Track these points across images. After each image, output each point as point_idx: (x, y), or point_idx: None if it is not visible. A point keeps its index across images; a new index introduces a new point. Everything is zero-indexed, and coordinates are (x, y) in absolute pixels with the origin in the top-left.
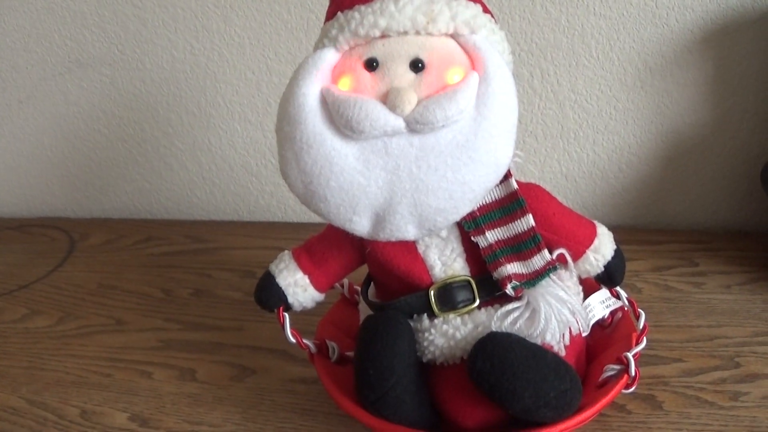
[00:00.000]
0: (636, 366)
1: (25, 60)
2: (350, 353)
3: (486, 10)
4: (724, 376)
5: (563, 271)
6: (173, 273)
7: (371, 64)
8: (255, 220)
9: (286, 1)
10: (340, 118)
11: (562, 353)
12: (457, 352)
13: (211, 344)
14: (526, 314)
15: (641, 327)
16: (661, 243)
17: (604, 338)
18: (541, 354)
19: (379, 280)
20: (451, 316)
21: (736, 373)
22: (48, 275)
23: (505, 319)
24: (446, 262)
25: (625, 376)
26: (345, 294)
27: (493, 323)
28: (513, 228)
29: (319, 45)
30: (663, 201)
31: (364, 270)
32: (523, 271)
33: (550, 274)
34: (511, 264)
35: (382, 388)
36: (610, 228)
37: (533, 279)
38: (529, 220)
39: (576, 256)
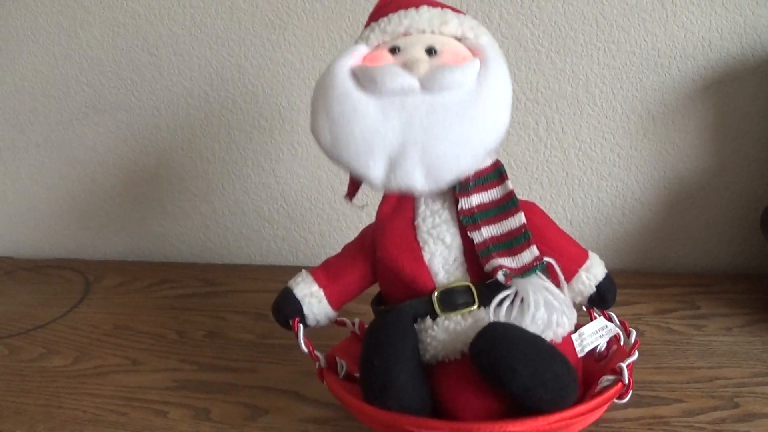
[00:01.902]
0: (630, 375)
1: (43, 105)
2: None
3: None
4: (724, 416)
5: (563, 283)
6: (187, 315)
7: (394, 50)
8: (267, 264)
9: (299, 51)
10: (364, 77)
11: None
12: (458, 346)
13: (225, 385)
14: (517, 301)
15: (632, 342)
16: (663, 286)
17: (598, 370)
18: (539, 339)
19: (387, 291)
20: (452, 315)
21: (735, 413)
22: (64, 315)
23: (500, 307)
24: (449, 270)
25: (620, 383)
26: (356, 331)
27: (491, 312)
28: (506, 224)
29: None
30: (665, 245)
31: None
32: (513, 265)
33: (537, 271)
34: (502, 258)
35: (387, 377)
36: (614, 272)
37: (522, 273)
38: (521, 217)
39: (569, 275)
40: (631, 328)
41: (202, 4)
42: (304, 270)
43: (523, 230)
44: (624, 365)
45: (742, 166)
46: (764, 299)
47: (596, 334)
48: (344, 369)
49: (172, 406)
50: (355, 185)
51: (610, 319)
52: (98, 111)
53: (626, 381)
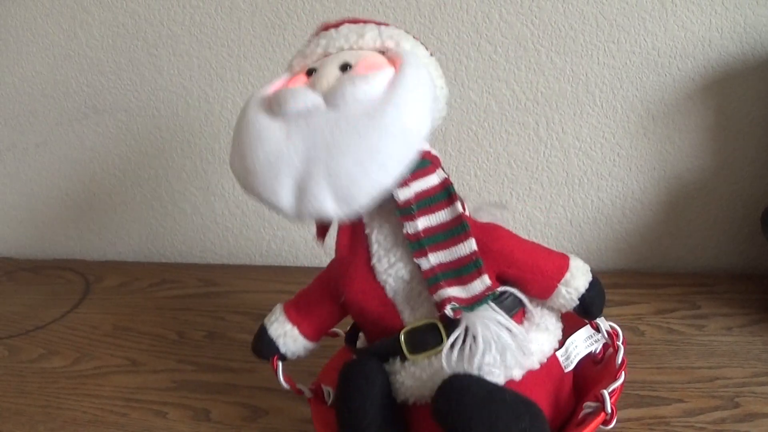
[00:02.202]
0: (613, 403)
1: (42, 105)
2: None
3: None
4: (724, 416)
5: (534, 307)
6: (187, 315)
7: (310, 73)
8: (267, 264)
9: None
10: (273, 102)
11: (502, 380)
12: (426, 392)
13: (225, 385)
14: (469, 341)
15: (619, 362)
16: (663, 286)
17: (596, 374)
18: (498, 394)
19: (360, 325)
20: (421, 357)
21: (736, 413)
22: (64, 316)
23: (451, 352)
24: (414, 305)
25: (602, 413)
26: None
27: (443, 357)
28: (455, 251)
29: None
30: (665, 245)
31: None
32: (463, 295)
33: (489, 301)
34: (452, 288)
35: (357, 429)
36: (614, 272)
37: (472, 303)
38: (471, 244)
39: (548, 291)
40: (618, 344)
41: (201, 4)
42: (278, 306)
43: (473, 258)
44: (606, 392)
45: (743, 165)
46: (765, 299)
47: (587, 341)
48: (331, 396)
49: (172, 406)
50: (323, 226)
51: (597, 330)
52: (98, 111)
53: (608, 410)
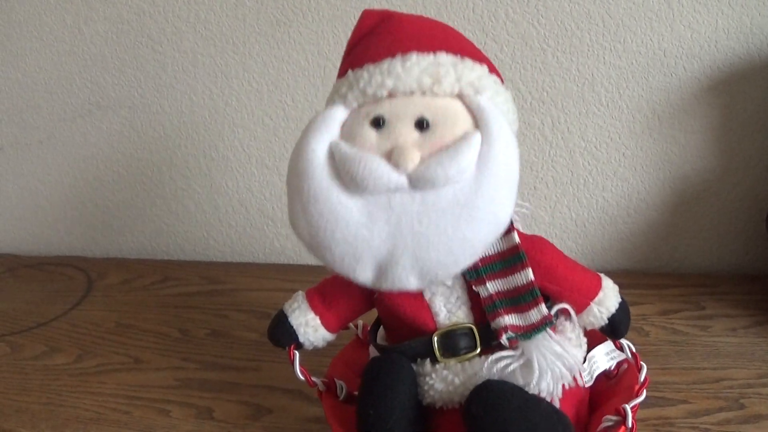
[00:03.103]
0: (633, 418)
1: (46, 101)
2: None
3: (492, 70)
4: (729, 417)
5: (567, 322)
6: (190, 313)
7: (378, 123)
8: (270, 262)
9: (304, 49)
10: (346, 174)
11: (557, 404)
12: (455, 398)
13: (228, 384)
14: (519, 363)
15: (642, 380)
16: (668, 287)
17: (609, 389)
18: (534, 403)
19: (387, 323)
20: (453, 362)
21: (741, 414)
22: (66, 313)
23: (495, 365)
24: (451, 309)
25: (622, 428)
26: (359, 335)
27: (484, 368)
28: (512, 280)
29: (330, 101)
30: (670, 246)
31: (375, 312)
32: (520, 323)
33: (547, 329)
34: (509, 315)
35: (381, 429)
36: (619, 272)
37: (529, 332)
38: (528, 274)
39: (580, 308)
40: (642, 363)
41: (206, 0)
42: (300, 293)
43: (530, 287)
44: (629, 407)
45: (748, 166)
46: None
47: (607, 357)
48: (344, 391)
49: (175, 404)
50: None
51: (621, 349)
52: (101, 108)
53: (629, 425)
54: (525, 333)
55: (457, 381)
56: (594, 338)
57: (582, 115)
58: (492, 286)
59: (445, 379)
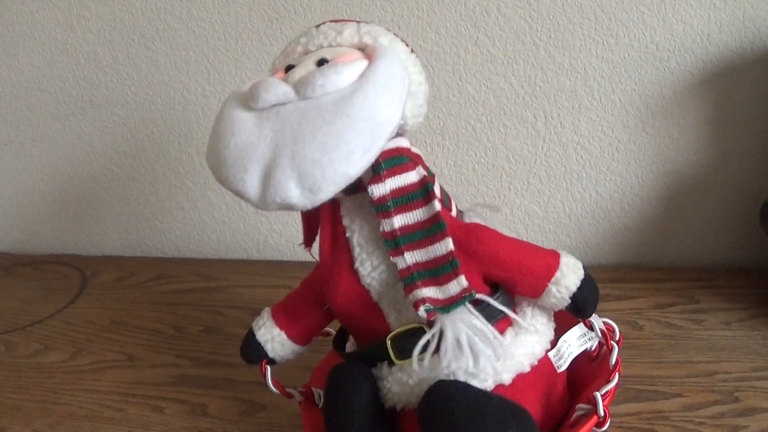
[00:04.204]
0: (606, 406)
1: (39, 99)
2: None
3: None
4: (724, 411)
5: (528, 308)
6: (184, 310)
7: (288, 69)
8: (264, 259)
9: None
10: (248, 96)
11: (491, 384)
12: (413, 399)
13: (222, 380)
14: (436, 339)
15: (613, 363)
16: (662, 281)
17: (591, 370)
18: (484, 401)
19: (348, 329)
20: (408, 362)
21: (735, 408)
22: (61, 311)
23: (423, 353)
24: (400, 309)
25: (595, 416)
26: None
27: (414, 363)
28: (432, 251)
29: None
30: (664, 240)
31: None
32: (439, 296)
33: (467, 303)
34: (427, 288)
35: None
36: (612, 267)
37: (448, 305)
38: (448, 244)
39: (537, 291)
40: (612, 343)
41: None
42: (266, 309)
43: (449, 258)
44: (599, 394)
45: (742, 160)
46: (763, 294)
47: (581, 340)
48: (322, 399)
49: (169, 401)
50: (310, 233)
51: (591, 328)
52: (95, 106)
53: (601, 413)
54: (444, 306)
55: (411, 382)
56: (569, 322)
57: (575, 110)
58: (410, 257)
59: (399, 381)
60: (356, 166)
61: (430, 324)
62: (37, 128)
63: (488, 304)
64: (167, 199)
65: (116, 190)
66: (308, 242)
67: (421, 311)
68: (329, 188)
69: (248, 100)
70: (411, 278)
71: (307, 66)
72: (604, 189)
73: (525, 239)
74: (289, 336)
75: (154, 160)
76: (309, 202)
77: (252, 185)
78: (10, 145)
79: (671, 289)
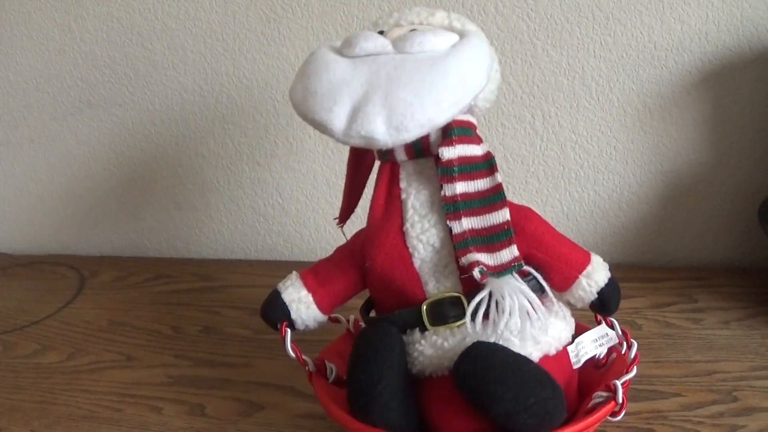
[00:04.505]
0: (624, 394)
1: (36, 100)
2: None
3: None
4: (722, 410)
5: (550, 295)
6: (182, 310)
7: (381, 33)
8: (262, 259)
9: (294, 45)
10: (343, 45)
11: (525, 351)
12: (445, 362)
13: (220, 380)
14: (493, 309)
15: (632, 357)
16: (660, 280)
17: (597, 378)
18: (524, 362)
19: (377, 298)
20: (441, 329)
21: (734, 407)
22: (59, 311)
23: (477, 311)
24: (439, 278)
25: (612, 402)
26: (350, 329)
27: (467, 323)
28: (489, 219)
29: None
30: (662, 239)
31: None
32: (490, 263)
33: (514, 272)
34: (480, 254)
35: (371, 393)
36: (611, 265)
37: (498, 272)
38: (505, 213)
39: (568, 281)
40: (632, 340)
41: None
42: (294, 272)
43: (505, 227)
44: (619, 383)
45: (740, 159)
46: (762, 293)
47: (595, 343)
48: (334, 373)
49: (167, 401)
50: (350, 205)
51: (611, 327)
52: (92, 106)
53: (620, 400)
54: (494, 272)
55: (446, 345)
56: (580, 331)
57: (573, 109)
58: (467, 223)
59: (434, 344)
60: (443, 114)
61: (478, 288)
62: (35, 128)
63: (533, 278)
64: (165, 199)
65: (114, 190)
66: (344, 217)
67: (476, 272)
68: (414, 130)
69: (343, 48)
70: (465, 243)
71: (401, 31)
72: (602, 188)
73: None
74: (316, 299)
75: (151, 160)
76: (391, 140)
77: (339, 117)
78: (8, 145)
79: (670, 289)
